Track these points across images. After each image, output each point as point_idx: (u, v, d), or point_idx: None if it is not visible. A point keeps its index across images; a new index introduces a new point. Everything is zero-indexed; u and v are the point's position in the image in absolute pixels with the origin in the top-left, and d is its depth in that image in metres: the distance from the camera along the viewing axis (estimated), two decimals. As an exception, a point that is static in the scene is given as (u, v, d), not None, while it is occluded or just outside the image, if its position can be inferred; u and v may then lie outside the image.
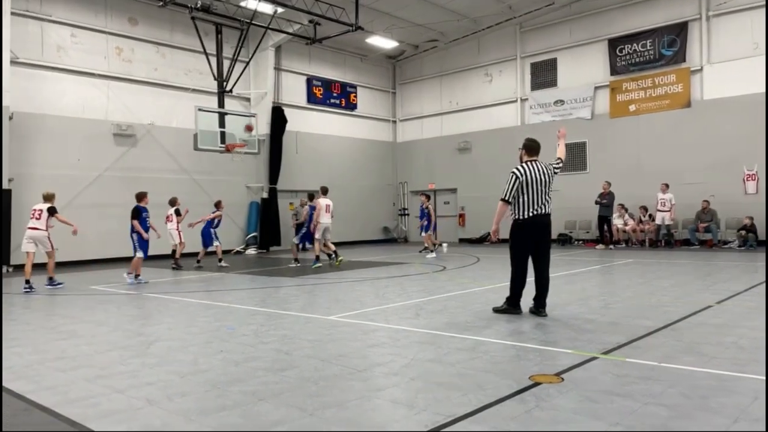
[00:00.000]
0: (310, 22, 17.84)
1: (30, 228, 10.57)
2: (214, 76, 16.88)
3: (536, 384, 4.04)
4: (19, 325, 6.98)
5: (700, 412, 3.45)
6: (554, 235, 19.38)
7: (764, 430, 3.15)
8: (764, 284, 8.71)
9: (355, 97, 23.56)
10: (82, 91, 16.20)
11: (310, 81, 21.96)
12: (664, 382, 4.01)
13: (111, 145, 16.67)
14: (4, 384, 4.33)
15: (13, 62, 14.51)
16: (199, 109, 15.78)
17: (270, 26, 17.49)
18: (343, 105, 23.14)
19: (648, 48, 18.52)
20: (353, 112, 23.58)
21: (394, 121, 25.37)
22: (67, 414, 3.67)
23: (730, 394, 3.75)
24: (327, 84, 22.52)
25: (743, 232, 16.03)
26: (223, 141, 16.03)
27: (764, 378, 4.02)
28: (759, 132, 16.27)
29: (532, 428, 3.26)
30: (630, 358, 4.68)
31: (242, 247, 19.50)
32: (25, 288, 10.07)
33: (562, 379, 4.14)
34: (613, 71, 19.25)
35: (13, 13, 14.43)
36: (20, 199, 14.68)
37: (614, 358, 4.70)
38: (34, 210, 10.78)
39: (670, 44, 18.13)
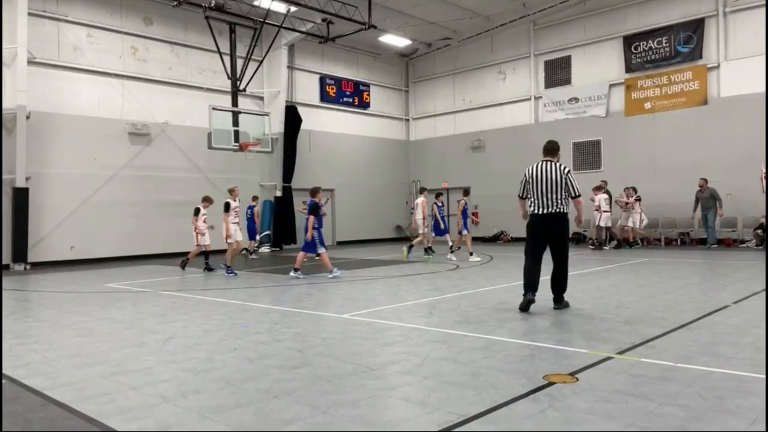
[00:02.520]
0: (324, 20, 17.87)
1: None
2: (227, 75, 16.98)
3: (550, 384, 4.01)
4: (36, 322, 7.07)
5: (717, 413, 3.41)
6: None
7: (765, 430, 3.10)
8: (782, 284, 8.59)
9: (368, 95, 23.56)
10: (98, 90, 16.36)
11: (323, 79, 22.00)
12: (680, 383, 3.97)
13: (126, 144, 16.82)
14: (22, 380, 4.39)
15: (30, 62, 14.67)
16: (213, 108, 15.89)
17: (283, 25, 17.56)
18: (356, 103, 23.16)
19: (664, 45, 18.32)
20: (366, 111, 23.59)
21: (407, 120, 25.35)
22: (83, 410, 3.71)
23: (747, 395, 3.70)
24: (340, 82, 22.54)
25: (759, 231, 15.80)
26: (236, 139, 16.14)
27: (783, 379, 3.97)
28: (777, 129, 16.02)
29: (546, 428, 3.24)
30: (645, 358, 4.64)
31: (256, 245, 19.57)
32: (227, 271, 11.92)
33: (577, 379, 4.11)
34: (628, 69, 19.07)
35: (30, 14, 14.59)
36: (37, 197, 14.88)
37: (629, 358, 4.66)
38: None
39: (686, 41, 17.92)
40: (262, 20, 16.80)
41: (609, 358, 4.68)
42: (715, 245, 16.23)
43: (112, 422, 3.50)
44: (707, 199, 16.24)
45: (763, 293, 7.86)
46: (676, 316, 6.40)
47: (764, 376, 4.07)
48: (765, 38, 15.68)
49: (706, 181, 16.37)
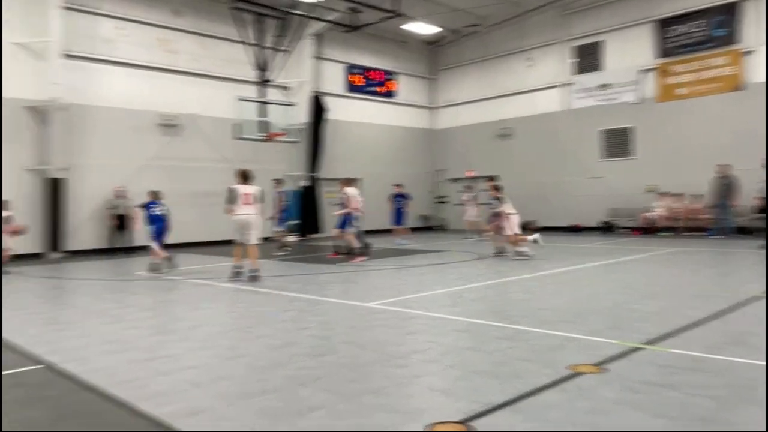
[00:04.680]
0: (350, 9, 17.81)
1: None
2: (253, 65, 17.09)
3: (577, 374, 3.98)
4: (69, 309, 7.28)
5: (746, 404, 3.34)
6: (595, 223, 19.00)
7: (764, 430, 3.03)
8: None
9: (394, 84, 23.47)
10: (129, 82, 16.61)
11: (348, 69, 21.98)
12: (709, 374, 3.90)
13: (156, 135, 17.10)
14: (58, 364, 4.52)
15: (68, 56, 15.03)
16: (240, 99, 16.02)
17: (310, 15, 17.56)
18: (382, 92, 23.09)
19: (698, 29, 17.81)
20: (392, 100, 23.50)
21: (433, 108, 25.18)
22: (115, 394, 3.81)
23: (781, 387, 3.61)
24: (365, 71, 22.49)
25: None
26: (263, 130, 16.26)
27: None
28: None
29: (572, 417, 3.22)
30: (674, 349, 4.56)
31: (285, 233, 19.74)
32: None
33: (604, 370, 4.06)
34: (661, 53, 18.58)
35: (65, 8, 14.92)
36: (74, 187, 15.28)
37: (658, 349, 4.59)
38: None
39: (721, 25, 17.39)
40: (288, 10, 16.82)
41: (638, 348, 4.62)
42: (720, 236, 15.61)
43: (144, 406, 3.59)
44: (725, 187, 15.70)
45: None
46: (705, 306, 6.27)
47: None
48: (765, 35, 15.01)
49: (727, 167, 15.84)
